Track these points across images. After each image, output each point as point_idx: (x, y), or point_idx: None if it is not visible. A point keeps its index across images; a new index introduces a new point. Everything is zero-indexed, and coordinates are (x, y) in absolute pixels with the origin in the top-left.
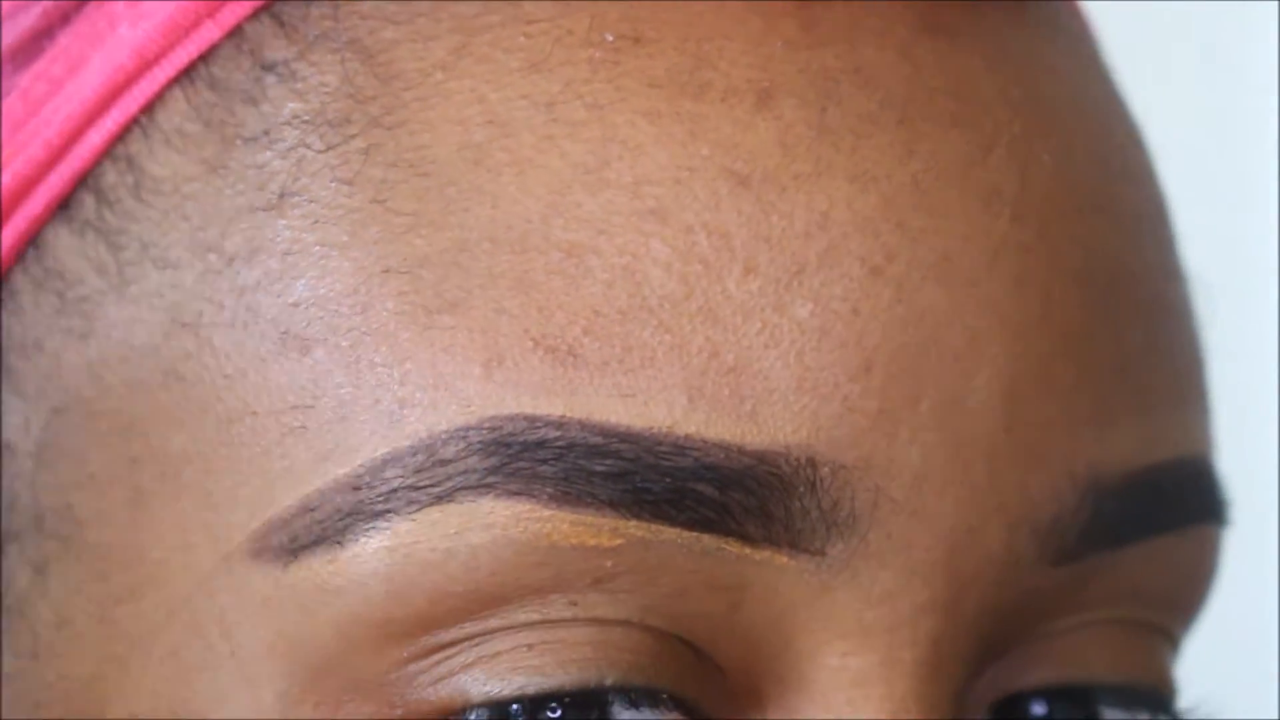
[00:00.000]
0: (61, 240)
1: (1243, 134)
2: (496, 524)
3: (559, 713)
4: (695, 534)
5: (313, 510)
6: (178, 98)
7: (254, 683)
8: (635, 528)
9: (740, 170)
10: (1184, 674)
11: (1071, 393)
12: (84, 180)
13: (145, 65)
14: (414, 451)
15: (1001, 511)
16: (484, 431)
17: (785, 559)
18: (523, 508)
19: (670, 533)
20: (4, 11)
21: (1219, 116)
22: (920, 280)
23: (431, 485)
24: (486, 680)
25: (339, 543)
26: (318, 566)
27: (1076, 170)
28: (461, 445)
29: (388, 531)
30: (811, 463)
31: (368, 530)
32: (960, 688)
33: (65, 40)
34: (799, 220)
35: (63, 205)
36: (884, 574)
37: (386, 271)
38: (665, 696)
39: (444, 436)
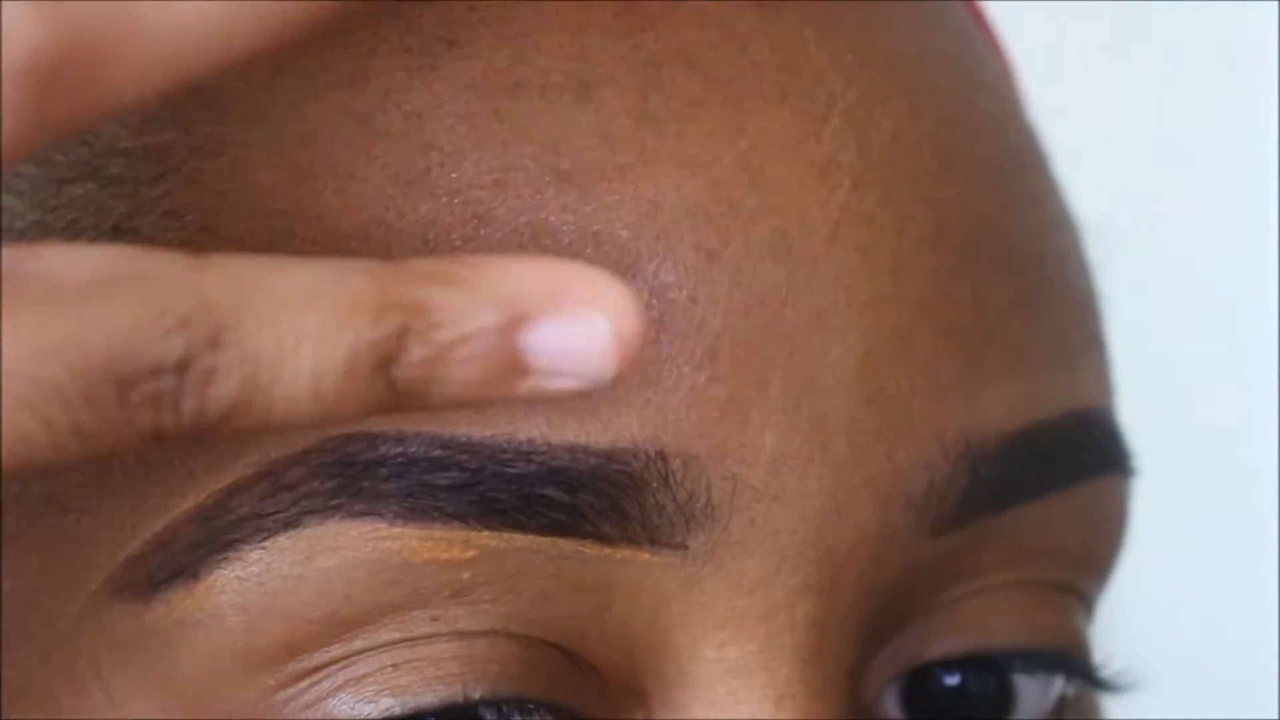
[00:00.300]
0: None
1: (1243, 134)
2: (345, 546)
3: None
4: (550, 539)
5: (166, 545)
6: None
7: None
8: (487, 538)
9: (563, 166)
10: (1181, 672)
11: (933, 360)
12: None
13: None
14: (258, 479)
15: (870, 486)
16: (325, 453)
17: (647, 555)
18: (369, 527)
19: (524, 540)
20: None
21: (1219, 116)
22: (758, 261)
23: (278, 512)
24: (354, 704)
25: (194, 575)
26: (175, 601)
27: (922, 131)
28: (304, 469)
29: (238, 562)
30: (662, 456)
31: (220, 561)
32: (851, 667)
33: None
34: (626, 211)
35: None
36: (751, 562)
37: None
38: (537, 706)
39: (285, 461)
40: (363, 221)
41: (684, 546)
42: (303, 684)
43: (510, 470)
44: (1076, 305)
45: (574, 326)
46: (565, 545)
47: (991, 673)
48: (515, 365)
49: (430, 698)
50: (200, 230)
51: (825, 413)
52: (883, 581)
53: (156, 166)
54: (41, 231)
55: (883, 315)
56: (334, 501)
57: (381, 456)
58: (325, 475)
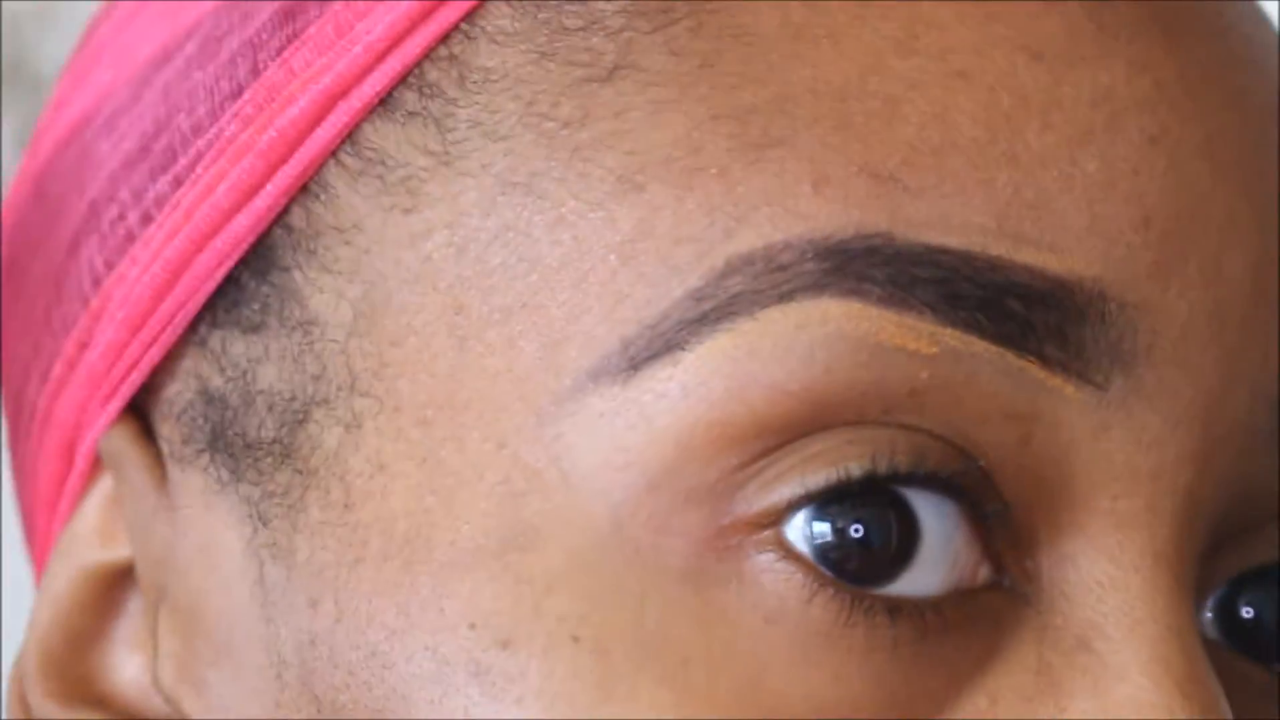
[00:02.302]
0: (380, 131)
1: None
2: (831, 319)
3: (856, 497)
4: (1001, 349)
5: (653, 326)
6: (500, 4)
7: (586, 500)
8: (951, 336)
9: (1033, 47)
10: None
11: None
12: (404, 80)
13: None
14: (753, 259)
15: (1247, 379)
16: (818, 241)
17: (1073, 389)
18: (855, 306)
19: (981, 345)
20: None
21: None
22: (1190, 155)
23: (772, 288)
24: (804, 479)
25: (682, 348)
26: (660, 375)
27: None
28: (797, 252)
29: (731, 331)
30: (1102, 296)
31: (712, 333)
32: (1203, 551)
33: None
34: (1086, 91)
35: (382, 103)
36: (1154, 419)
37: (716, 118)
38: (964, 493)
39: (780, 245)
40: (855, 68)
41: (1104, 387)
42: (762, 463)
43: (979, 276)
44: None
45: None
46: (1012, 360)
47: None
48: None
49: (876, 464)
50: (699, 66)
51: (1226, 300)
52: (1241, 479)
53: (656, 18)
54: (543, 75)
55: (1268, 236)
56: (826, 281)
57: (871, 247)
58: (819, 257)
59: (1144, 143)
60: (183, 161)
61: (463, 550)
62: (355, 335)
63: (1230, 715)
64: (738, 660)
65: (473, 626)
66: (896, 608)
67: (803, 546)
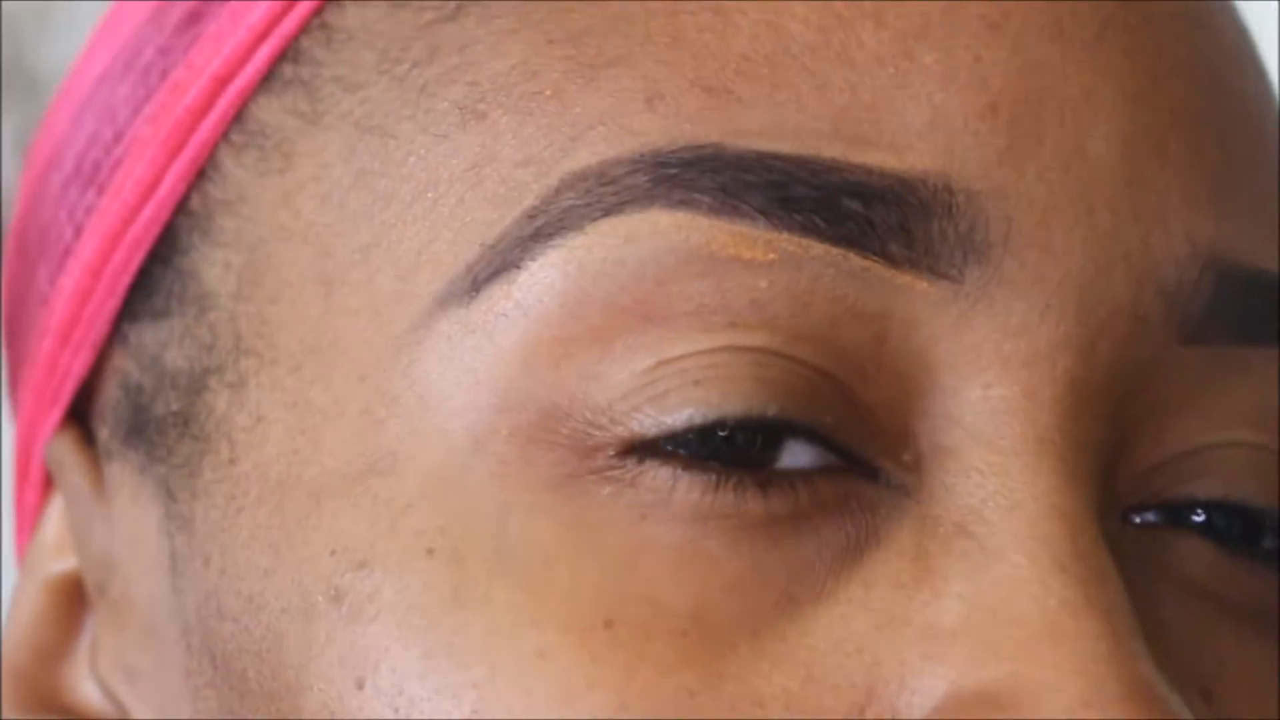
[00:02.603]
0: (262, 105)
1: None
2: (661, 232)
3: (727, 434)
4: (842, 250)
5: (493, 246)
6: None
7: (443, 421)
8: (787, 241)
9: None
10: None
11: (1187, 169)
12: (283, 54)
13: None
14: (586, 176)
15: (1127, 261)
16: (648, 155)
17: (925, 284)
18: (684, 217)
19: (819, 249)
20: None
21: None
22: (1035, 37)
23: (600, 202)
24: (657, 416)
25: (517, 266)
26: (498, 294)
27: None
28: (627, 166)
29: (561, 249)
30: (948, 188)
31: (543, 250)
32: (1101, 446)
33: None
34: None
35: (264, 80)
36: (1019, 304)
37: (552, 42)
38: (821, 435)
39: (612, 161)
40: None
41: (959, 280)
42: (607, 381)
43: (815, 179)
44: None
45: None
46: (855, 261)
47: (1238, 516)
48: None
49: (730, 409)
50: None
51: (1091, 181)
52: (1135, 367)
53: None
54: (396, 23)
55: (1141, 112)
56: (655, 192)
57: (700, 157)
58: (647, 171)
59: (984, 29)
60: (105, 171)
61: (326, 482)
62: (240, 300)
63: (1119, 590)
64: (607, 554)
65: (333, 553)
66: (768, 481)
67: (671, 448)
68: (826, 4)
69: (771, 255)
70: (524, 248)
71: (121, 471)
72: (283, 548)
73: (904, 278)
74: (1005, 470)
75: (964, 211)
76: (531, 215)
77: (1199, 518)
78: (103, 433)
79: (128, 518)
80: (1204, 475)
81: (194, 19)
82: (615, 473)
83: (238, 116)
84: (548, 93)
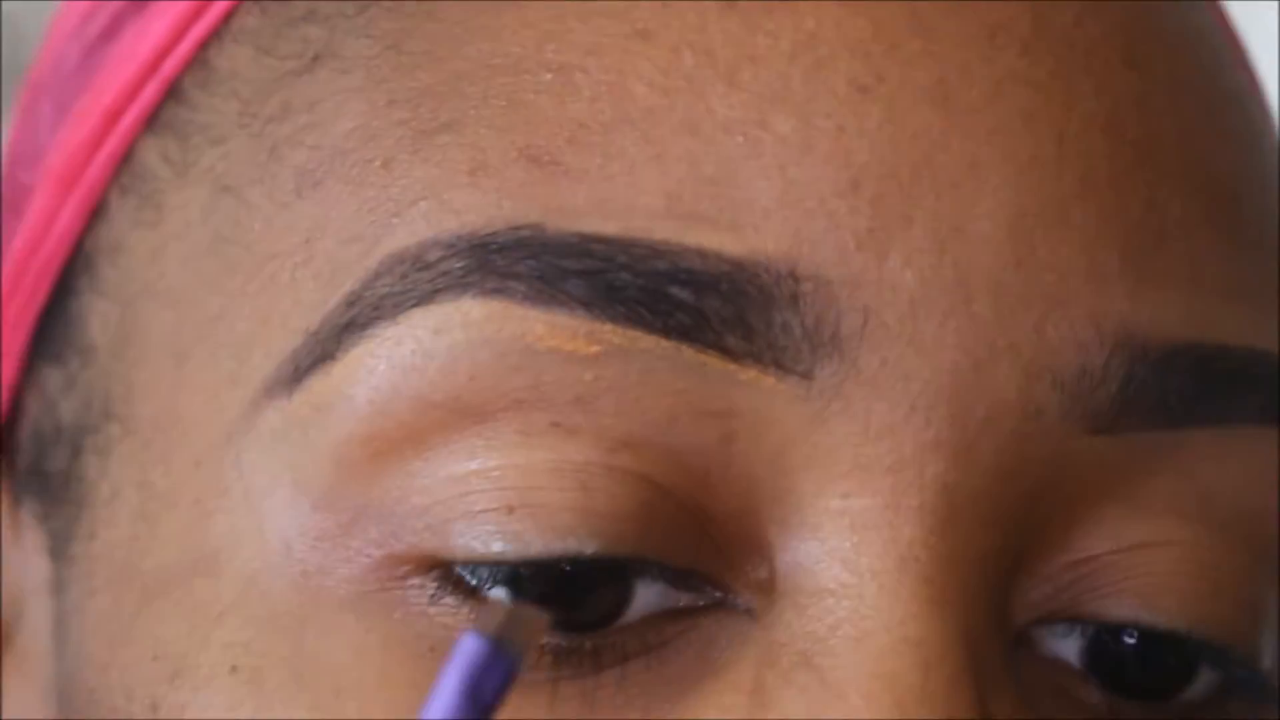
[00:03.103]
0: (146, 145)
1: None
2: (473, 322)
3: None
4: (674, 343)
5: (315, 334)
6: (251, 2)
7: (262, 522)
8: (611, 333)
9: None
10: None
11: (1094, 241)
12: (170, 90)
13: None
14: (403, 259)
15: (1013, 352)
16: (465, 237)
17: (772, 380)
18: (498, 305)
19: (648, 340)
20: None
21: None
22: (913, 102)
23: (414, 289)
24: (469, 540)
25: (332, 357)
26: (315, 387)
27: (1110, 24)
28: (444, 250)
29: (374, 339)
30: (793, 275)
31: (358, 340)
32: (986, 556)
33: None
34: (785, 40)
35: (151, 116)
36: (880, 405)
37: (392, 103)
38: (649, 565)
39: (430, 243)
40: (535, 35)
41: (810, 376)
42: (420, 485)
43: (640, 265)
44: (1268, 251)
45: None
46: (689, 354)
47: (1156, 643)
48: None
49: (543, 547)
50: (386, 48)
51: (971, 264)
52: (1030, 466)
53: None
54: (260, 70)
55: (1041, 181)
56: (468, 279)
57: (519, 240)
58: (463, 255)
59: (852, 94)
60: (22, 202)
61: (157, 577)
62: (113, 358)
63: None
64: (392, 690)
65: (155, 659)
66: (581, 631)
67: (471, 580)
68: (676, 63)
69: (595, 347)
70: (338, 338)
71: (29, 515)
72: (117, 643)
73: (748, 373)
74: (859, 594)
75: (811, 302)
76: (351, 301)
77: (1115, 643)
78: (20, 472)
79: (31, 565)
80: (1122, 584)
81: (104, 39)
82: (413, 593)
83: (126, 156)
84: (378, 162)
